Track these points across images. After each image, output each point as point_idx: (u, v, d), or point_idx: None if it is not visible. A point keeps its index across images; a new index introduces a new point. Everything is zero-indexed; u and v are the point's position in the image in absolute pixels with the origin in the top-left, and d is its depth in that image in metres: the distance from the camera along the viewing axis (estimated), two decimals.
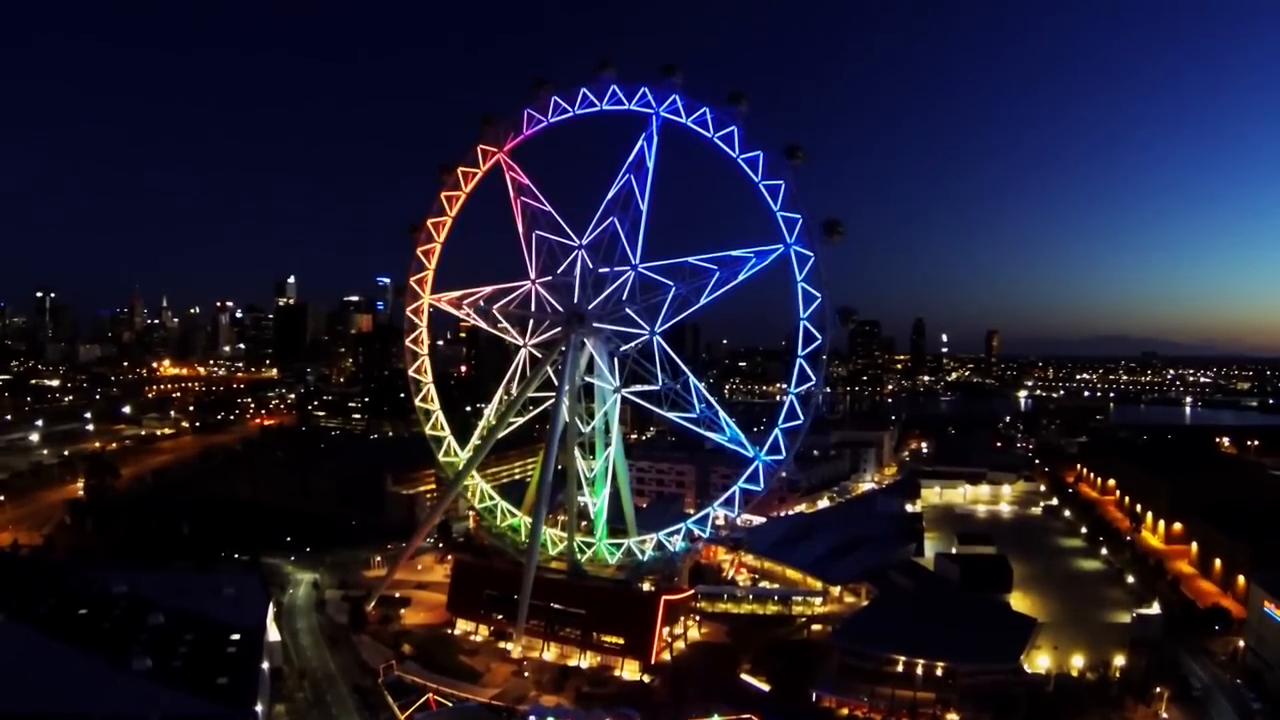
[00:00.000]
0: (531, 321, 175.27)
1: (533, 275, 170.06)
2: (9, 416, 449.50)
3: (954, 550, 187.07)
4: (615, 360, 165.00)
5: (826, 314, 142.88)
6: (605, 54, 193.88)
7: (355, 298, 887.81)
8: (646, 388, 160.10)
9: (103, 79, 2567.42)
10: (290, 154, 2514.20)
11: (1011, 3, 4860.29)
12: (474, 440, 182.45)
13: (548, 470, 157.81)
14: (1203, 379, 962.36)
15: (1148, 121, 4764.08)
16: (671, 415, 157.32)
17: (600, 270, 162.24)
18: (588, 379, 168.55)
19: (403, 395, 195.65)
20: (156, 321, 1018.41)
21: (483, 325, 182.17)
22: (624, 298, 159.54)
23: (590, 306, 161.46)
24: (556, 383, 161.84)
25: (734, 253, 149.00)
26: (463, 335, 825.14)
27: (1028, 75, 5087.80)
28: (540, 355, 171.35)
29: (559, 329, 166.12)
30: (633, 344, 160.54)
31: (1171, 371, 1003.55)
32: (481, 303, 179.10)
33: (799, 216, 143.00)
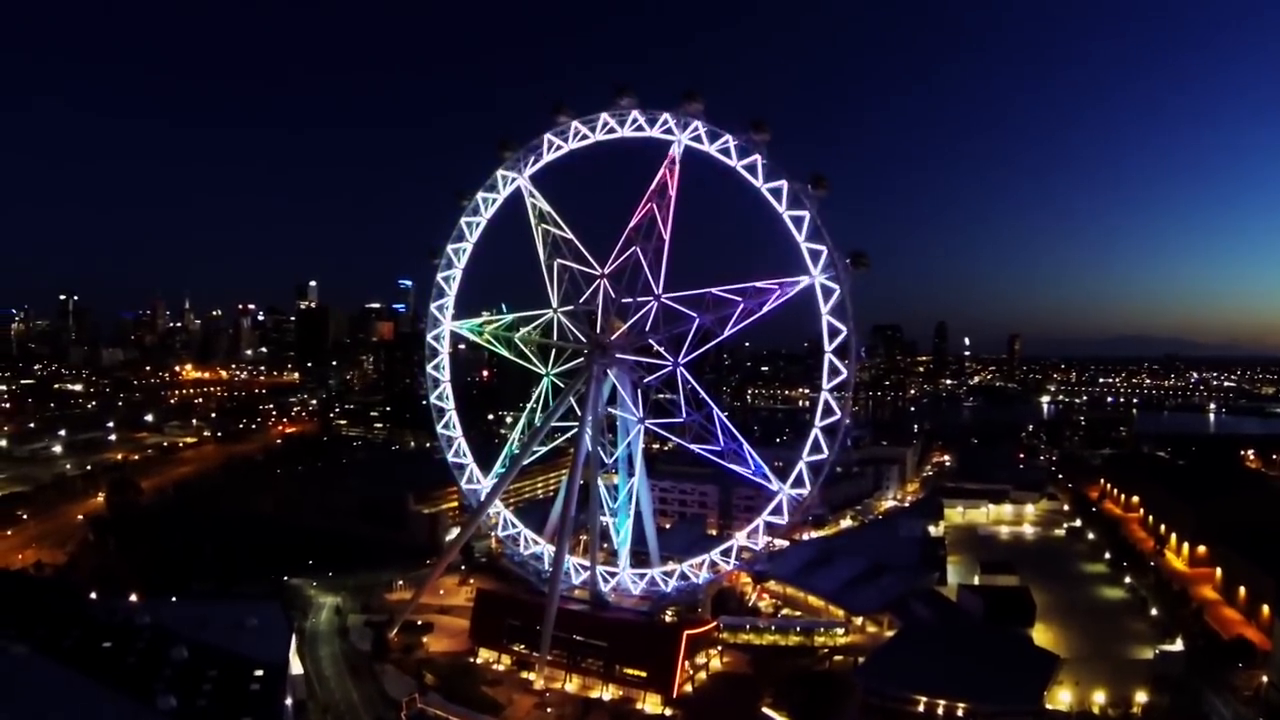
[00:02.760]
0: (554, 350, 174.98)
1: (555, 303, 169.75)
2: (32, 425, 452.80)
3: (976, 580, 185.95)
4: (638, 391, 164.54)
5: (852, 347, 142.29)
6: (625, 79, 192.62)
7: (376, 304, 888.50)
8: (670, 420, 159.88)
9: (125, 83, 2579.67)
10: (310, 157, 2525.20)
11: (1029, 5, 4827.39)
12: (497, 468, 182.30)
13: (571, 501, 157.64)
14: (1227, 383, 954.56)
15: (1166, 119, 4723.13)
16: (695, 447, 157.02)
17: (623, 300, 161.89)
18: (610, 410, 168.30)
19: (425, 401, 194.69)
20: (179, 324, 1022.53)
21: (504, 353, 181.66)
22: (647, 328, 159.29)
23: (613, 337, 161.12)
24: (579, 412, 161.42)
25: (758, 284, 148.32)
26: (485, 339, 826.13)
27: (1045, 75, 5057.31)
28: (563, 384, 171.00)
29: (581, 358, 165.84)
30: (656, 375, 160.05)
31: (1195, 374, 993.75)
32: (503, 330, 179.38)
33: (824, 248, 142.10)
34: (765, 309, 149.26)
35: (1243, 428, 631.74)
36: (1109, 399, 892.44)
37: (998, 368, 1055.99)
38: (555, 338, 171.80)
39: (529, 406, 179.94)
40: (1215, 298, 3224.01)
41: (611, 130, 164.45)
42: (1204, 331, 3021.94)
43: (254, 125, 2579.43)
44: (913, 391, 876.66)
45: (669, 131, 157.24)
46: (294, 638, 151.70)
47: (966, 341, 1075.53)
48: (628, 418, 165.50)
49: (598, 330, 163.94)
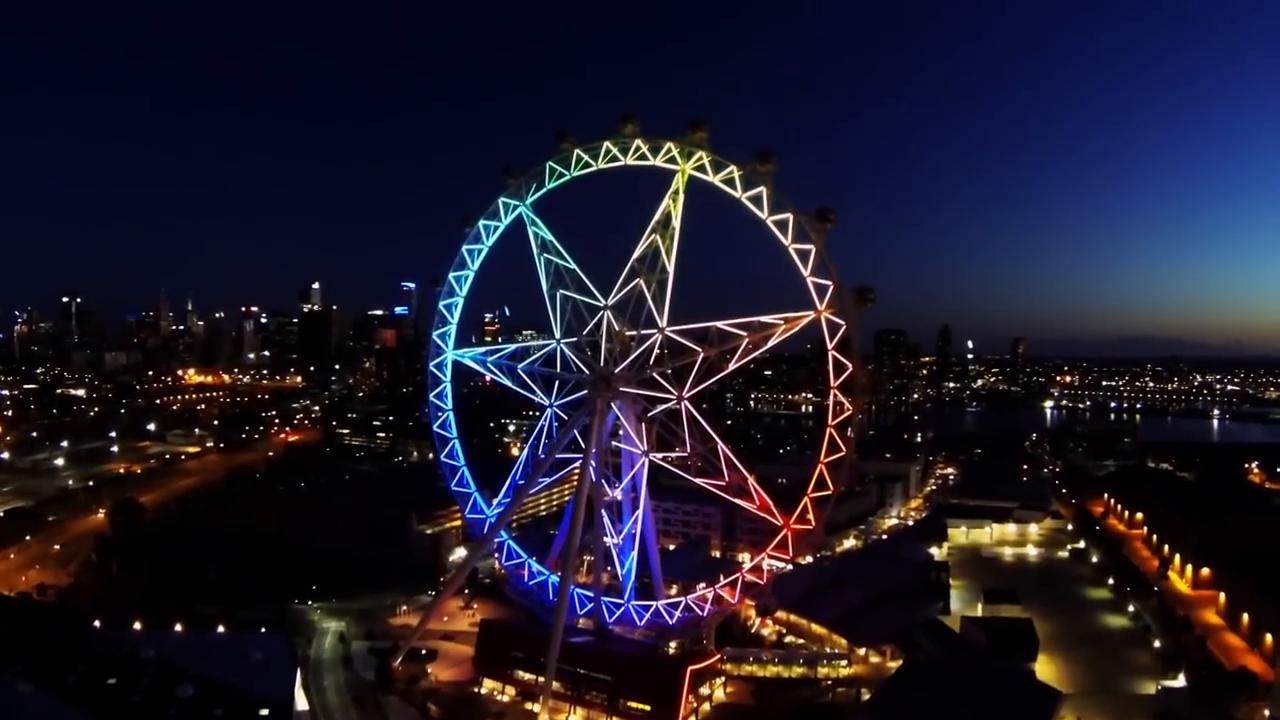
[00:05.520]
0: (557, 381, 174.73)
1: (558, 334, 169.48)
2: (34, 433, 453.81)
3: (979, 609, 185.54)
4: (642, 424, 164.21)
5: (858, 384, 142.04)
6: (630, 107, 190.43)
7: (379, 311, 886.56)
8: (675, 454, 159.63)
9: (132, 85, 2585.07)
10: (314, 155, 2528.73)
11: (1031, 6, 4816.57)
12: (500, 498, 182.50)
13: (575, 534, 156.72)
14: (1230, 387, 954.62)
15: (1169, 119, 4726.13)
16: (700, 481, 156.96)
17: (627, 332, 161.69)
18: (614, 443, 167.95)
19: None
20: (182, 327, 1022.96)
21: (507, 383, 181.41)
22: (651, 361, 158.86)
23: (617, 370, 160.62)
24: (583, 445, 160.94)
25: (763, 319, 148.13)
26: (487, 340, 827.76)
27: (1047, 75, 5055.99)
28: (566, 415, 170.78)
29: (585, 390, 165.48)
30: (661, 408, 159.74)
31: (1198, 378, 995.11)
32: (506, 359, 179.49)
33: (829, 283, 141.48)
34: (770, 344, 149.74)
35: (1246, 435, 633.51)
36: (1112, 404, 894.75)
37: (1001, 370, 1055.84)
38: (558, 369, 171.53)
39: (532, 438, 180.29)
40: (1220, 299, 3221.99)
41: (614, 159, 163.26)
42: (1208, 332, 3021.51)
43: (257, 124, 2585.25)
44: (916, 396, 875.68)
45: (673, 161, 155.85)
46: (298, 669, 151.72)
47: (970, 344, 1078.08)
48: (632, 450, 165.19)
49: (601, 362, 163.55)
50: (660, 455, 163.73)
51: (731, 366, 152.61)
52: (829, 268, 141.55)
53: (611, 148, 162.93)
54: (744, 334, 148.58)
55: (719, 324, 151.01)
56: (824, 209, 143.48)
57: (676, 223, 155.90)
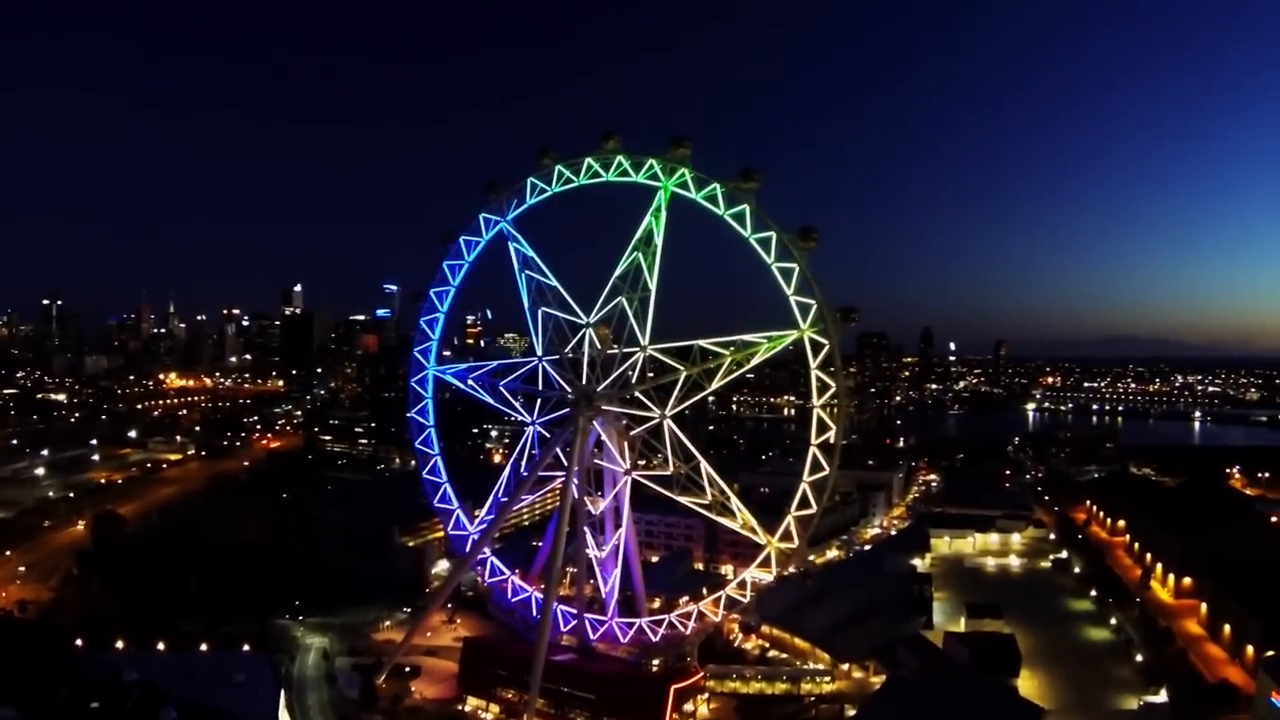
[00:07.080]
0: (539, 399, 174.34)
1: (539, 352, 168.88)
2: (14, 440, 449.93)
3: (962, 623, 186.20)
4: (625, 441, 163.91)
5: (841, 403, 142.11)
6: (613, 122, 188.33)
7: (360, 316, 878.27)
8: (657, 472, 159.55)
9: (115, 86, 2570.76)
10: (295, 155, 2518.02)
11: (1009, 6, 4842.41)
12: (484, 514, 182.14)
13: (558, 553, 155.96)
14: (1211, 388, 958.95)
15: (1155, 119, 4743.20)
16: (683, 499, 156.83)
17: (609, 350, 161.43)
18: (597, 461, 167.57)
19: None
20: (163, 330, 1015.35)
21: (489, 400, 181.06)
22: (634, 379, 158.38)
23: (599, 387, 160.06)
24: (565, 463, 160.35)
25: (746, 336, 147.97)
26: (469, 343, 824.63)
27: (1025, 76, 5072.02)
28: (549, 433, 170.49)
29: (567, 408, 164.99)
30: (643, 426, 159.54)
31: (1180, 378, 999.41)
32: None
33: (813, 302, 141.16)
34: (754, 362, 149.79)
35: (1228, 438, 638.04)
36: (1095, 407, 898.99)
37: (983, 371, 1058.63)
38: (540, 386, 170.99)
39: (514, 455, 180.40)
40: (1201, 299, 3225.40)
41: (596, 175, 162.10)
42: (1191, 332, 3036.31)
43: (241, 124, 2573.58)
44: (898, 398, 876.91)
45: (655, 178, 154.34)
46: (283, 689, 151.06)
47: (952, 345, 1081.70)
48: (614, 468, 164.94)
49: (583, 380, 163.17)
50: (643, 473, 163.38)
51: (714, 385, 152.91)
52: (813, 287, 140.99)
53: (593, 164, 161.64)
54: (727, 352, 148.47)
55: (702, 342, 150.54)
56: (807, 228, 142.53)
57: (659, 240, 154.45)
